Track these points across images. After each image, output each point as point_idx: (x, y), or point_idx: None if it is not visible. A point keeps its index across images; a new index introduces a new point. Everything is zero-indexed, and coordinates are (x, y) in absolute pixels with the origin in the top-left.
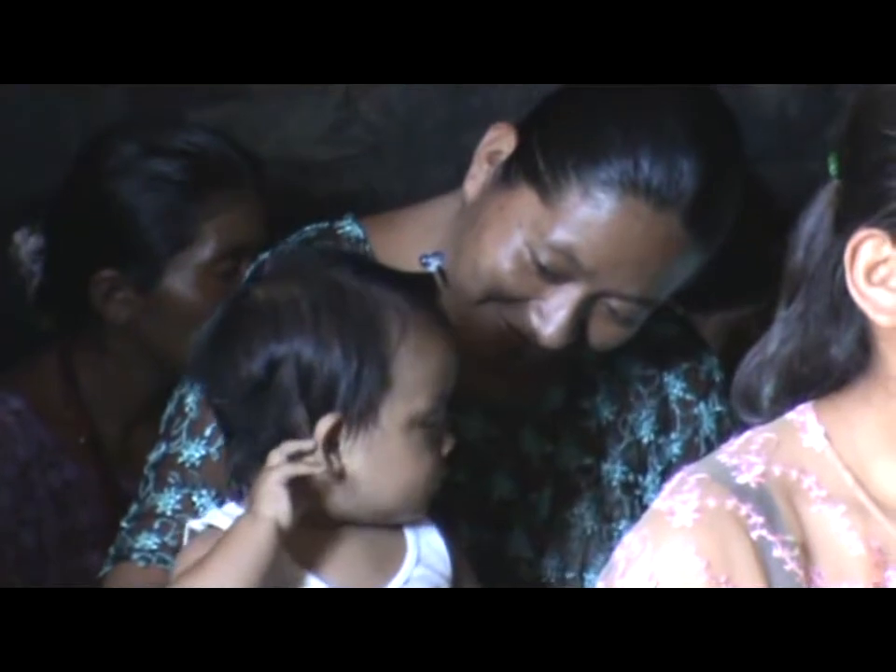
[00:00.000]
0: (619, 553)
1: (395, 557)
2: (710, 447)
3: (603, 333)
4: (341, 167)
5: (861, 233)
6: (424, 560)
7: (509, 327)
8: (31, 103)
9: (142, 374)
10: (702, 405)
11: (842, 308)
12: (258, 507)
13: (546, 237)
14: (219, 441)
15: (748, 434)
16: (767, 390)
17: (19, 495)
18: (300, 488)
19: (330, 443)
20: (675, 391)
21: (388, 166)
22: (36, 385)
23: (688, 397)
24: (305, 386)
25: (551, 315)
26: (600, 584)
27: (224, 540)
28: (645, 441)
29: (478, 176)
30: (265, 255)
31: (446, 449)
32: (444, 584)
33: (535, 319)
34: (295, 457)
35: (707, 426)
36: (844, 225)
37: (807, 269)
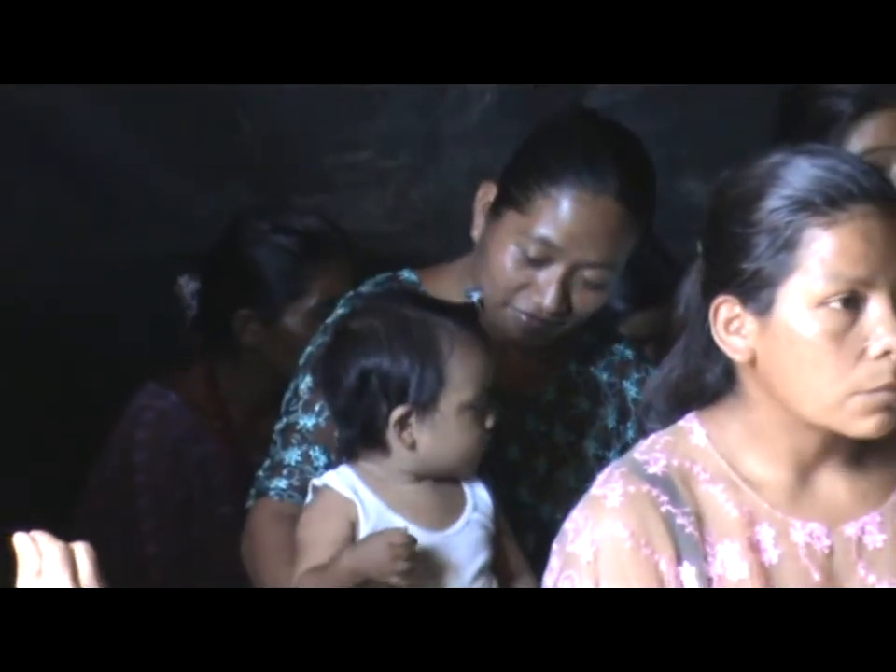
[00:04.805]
0: (568, 525)
1: (459, 504)
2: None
3: (583, 300)
4: (397, 237)
5: (720, 298)
6: (478, 507)
7: (524, 314)
8: (173, 190)
9: (262, 380)
10: None
11: (711, 348)
12: (366, 570)
13: (529, 235)
14: (325, 414)
15: (652, 437)
16: (663, 405)
17: (173, 462)
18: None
19: (403, 424)
20: (630, 394)
21: (429, 237)
22: (188, 384)
23: (639, 397)
24: (385, 388)
25: (545, 290)
26: (555, 546)
27: (330, 571)
28: (610, 427)
29: (479, 224)
30: (350, 294)
31: (489, 424)
32: (489, 524)
33: (536, 297)
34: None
35: None
36: (708, 291)
37: (686, 319)
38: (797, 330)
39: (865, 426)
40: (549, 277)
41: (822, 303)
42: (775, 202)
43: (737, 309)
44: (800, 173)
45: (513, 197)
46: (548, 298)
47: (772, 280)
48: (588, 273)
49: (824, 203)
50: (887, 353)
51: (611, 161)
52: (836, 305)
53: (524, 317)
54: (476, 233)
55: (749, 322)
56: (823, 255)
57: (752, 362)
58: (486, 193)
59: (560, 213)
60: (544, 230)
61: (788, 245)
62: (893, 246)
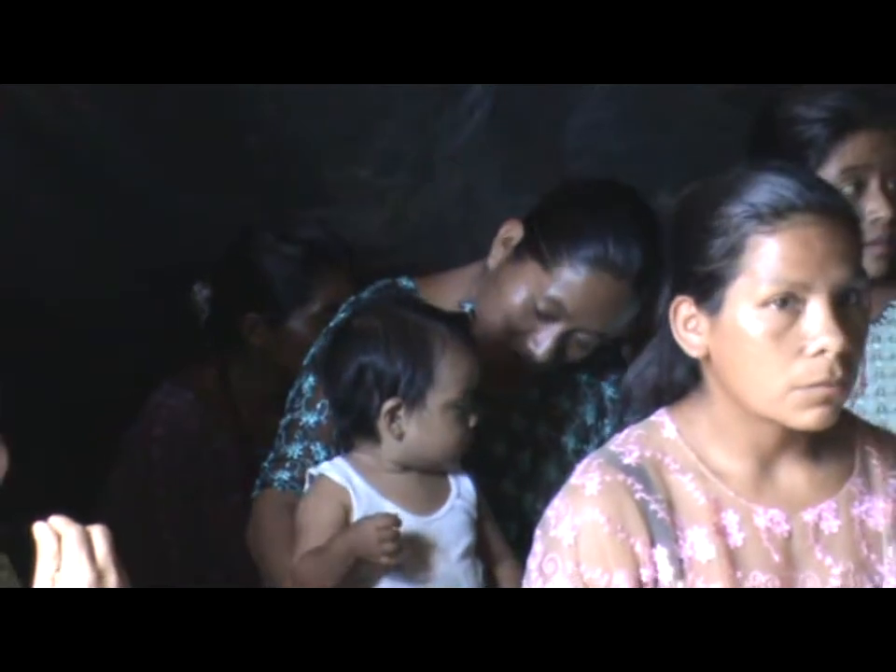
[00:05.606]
0: (550, 512)
1: (444, 492)
2: None
3: (570, 354)
4: (393, 250)
5: (679, 298)
6: (461, 495)
7: (511, 353)
8: (187, 204)
9: (270, 379)
10: None
11: (678, 346)
12: (357, 551)
13: (544, 292)
14: (326, 412)
15: (627, 431)
16: (641, 398)
17: (188, 456)
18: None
19: (393, 416)
20: (608, 393)
21: (422, 249)
22: (201, 383)
23: (616, 397)
24: (379, 382)
25: (541, 343)
26: (538, 532)
27: (326, 553)
28: (588, 423)
29: (497, 256)
30: (351, 299)
31: (472, 423)
32: (472, 511)
33: (531, 345)
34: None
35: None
36: (673, 292)
37: (661, 318)
38: (743, 328)
39: (805, 418)
40: (548, 333)
41: (765, 304)
42: (728, 211)
43: (693, 308)
44: (753, 187)
45: (540, 251)
46: (541, 349)
47: (722, 281)
48: (582, 336)
49: (769, 213)
50: (822, 351)
51: (640, 252)
52: (778, 306)
53: (509, 357)
54: (492, 263)
55: (703, 321)
56: (766, 259)
57: (707, 358)
58: (510, 230)
59: (579, 284)
60: (560, 293)
61: (736, 250)
62: (832, 254)
